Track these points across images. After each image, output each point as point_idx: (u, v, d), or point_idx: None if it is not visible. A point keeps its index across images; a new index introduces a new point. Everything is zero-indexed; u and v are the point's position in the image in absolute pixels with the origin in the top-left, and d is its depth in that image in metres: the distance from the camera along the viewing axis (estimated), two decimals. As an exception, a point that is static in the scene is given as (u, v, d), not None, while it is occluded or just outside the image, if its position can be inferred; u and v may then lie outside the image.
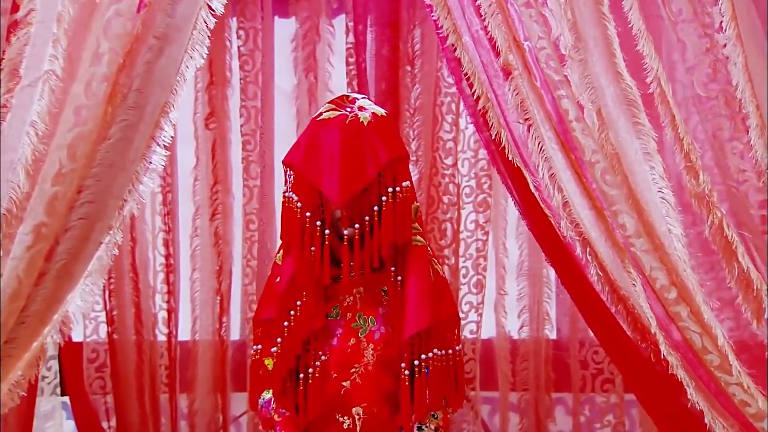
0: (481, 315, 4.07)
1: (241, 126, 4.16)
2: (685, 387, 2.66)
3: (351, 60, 4.07)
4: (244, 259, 4.18)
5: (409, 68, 4.07)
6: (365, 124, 2.75)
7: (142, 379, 4.18)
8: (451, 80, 4.03)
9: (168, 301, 4.20)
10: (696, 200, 2.67)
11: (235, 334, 4.23)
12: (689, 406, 2.67)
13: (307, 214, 2.75)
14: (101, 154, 2.79)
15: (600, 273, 2.73)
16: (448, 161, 4.05)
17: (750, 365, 2.64)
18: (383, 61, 4.07)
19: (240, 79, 4.16)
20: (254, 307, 4.09)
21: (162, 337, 4.20)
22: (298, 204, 2.77)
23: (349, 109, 2.79)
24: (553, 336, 4.11)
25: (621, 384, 4.03)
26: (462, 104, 4.01)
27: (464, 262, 4.08)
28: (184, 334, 4.21)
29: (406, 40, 4.07)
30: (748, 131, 2.66)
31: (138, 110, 2.81)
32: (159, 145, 2.86)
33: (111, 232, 2.86)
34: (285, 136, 4.15)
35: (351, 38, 4.07)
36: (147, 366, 4.18)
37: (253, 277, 4.17)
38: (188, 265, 4.21)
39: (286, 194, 2.81)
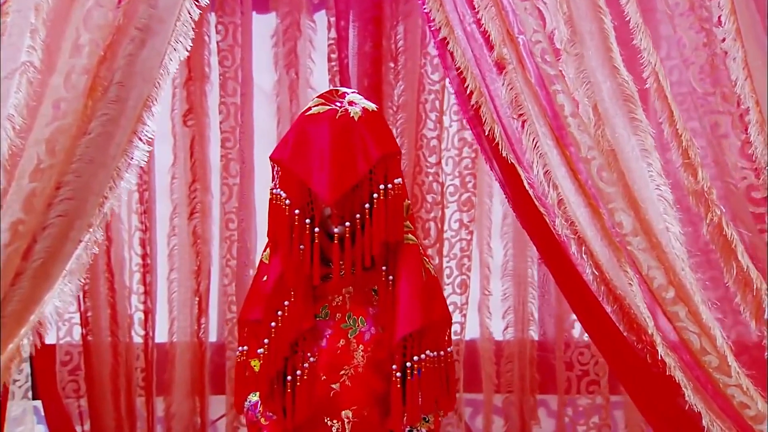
0: (465, 316, 4.01)
1: (220, 123, 4.09)
2: (683, 388, 2.61)
3: (333, 56, 4.00)
4: (223, 258, 4.10)
5: (392, 65, 4.00)
6: (356, 119, 2.68)
7: (118, 382, 4.10)
8: (435, 77, 3.99)
9: (144, 302, 4.11)
10: (694, 198, 2.62)
11: (213, 336, 4.15)
12: (686, 407, 2.61)
13: (296, 211, 2.67)
14: (81, 149, 2.72)
15: (595, 272, 2.68)
16: (432, 159, 3.98)
17: (749, 366, 2.59)
18: (365, 57, 3.99)
19: (219, 75, 4.08)
20: (234, 308, 4.06)
21: (138, 339, 4.12)
22: (287, 201, 2.69)
23: (338, 104, 2.71)
24: (537, 337, 4.04)
25: (606, 385, 3.98)
26: (446, 101, 4.00)
27: (448, 262, 4.02)
28: (161, 335, 4.13)
29: (389, 36, 4.01)
30: (747, 127, 2.61)
31: (119, 104, 2.74)
32: (141, 141, 2.77)
33: (91, 230, 2.79)
34: (265, 133, 4.09)
35: (333, 34, 4.00)
36: (123, 368, 4.09)
37: (233, 278, 4.09)
38: (165, 264, 4.13)
39: (274, 191, 2.73)
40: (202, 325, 4.10)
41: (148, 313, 4.11)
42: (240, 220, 4.07)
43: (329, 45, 4.01)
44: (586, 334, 3.94)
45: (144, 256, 4.10)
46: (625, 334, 2.70)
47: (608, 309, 2.70)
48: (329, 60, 4.01)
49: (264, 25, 4.11)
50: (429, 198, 3.98)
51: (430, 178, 3.98)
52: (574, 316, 3.98)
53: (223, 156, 4.09)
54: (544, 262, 2.95)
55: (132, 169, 2.79)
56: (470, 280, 4.03)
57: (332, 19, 3.99)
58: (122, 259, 4.12)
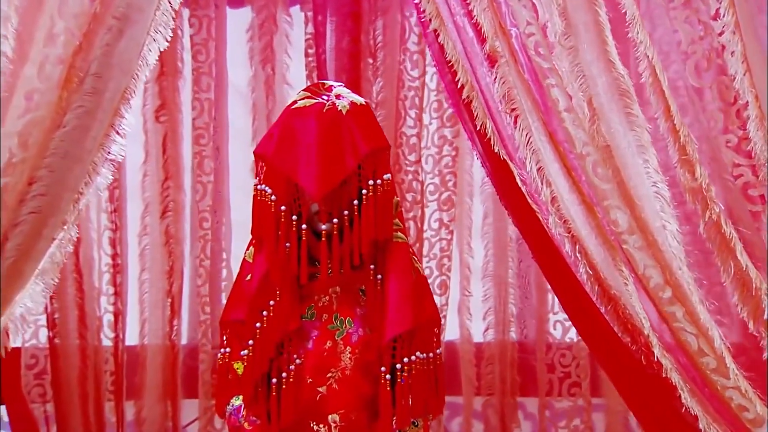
0: (445, 317, 3.91)
1: (194, 119, 4.00)
2: (680, 391, 2.54)
3: (310, 51, 3.92)
4: (197, 258, 4.01)
5: (370, 61, 3.92)
6: (344, 112, 2.59)
7: (86, 385, 4.00)
8: (414, 73, 3.92)
9: (114, 304, 4.01)
10: (691, 195, 2.56)
11: (185, 338, 4.06)
12: (683, 410, 2.55)
13: (282, 207, 2.59)
14: (55, 142, 2.65)
15: (590, 272, 2.61)
16: (412, 158, 3.91)
17: (747, 368, 2.53)
18: (343, 53, 3.90)
19: (192, 70, 4.00)
20: (207, 309, 3.99)
21: (108, 342, 4.02)
22: (272, 197, 2.60)
23: (325, 97, 2.63)
24: (518, 338, 3.97)
25: (588, 388, 3.92)
26: (426, 98, 3.93)
27: (428, 262, 3.94)
28: (131, 338, 4.03)
29: (367, 32, 3.93)
30: (746, 123, 2.55)
31: (96, 96, 2.67)
32: (119, 134, 2.68)
33: (65, 227, 2.72)
34: (240, 130, 4.01)
35: (310, 29, 3.92)
36: (91, 372, 3.99)
37: (207, 278, 4.00)
38: (137, 265, 4.03)
39: (258, 187, 2.64)
40: (175, 327, 4.02)
41: (118, 315, 4.01)
42: (214, 219, 3.98)
43: (306, 40, 3.94)
44: (568, 336, 3.92)
45: (114, 256, 4.01)
46: (619, 335, 2.62)
47: (602, 309, 2.62)
48: (306, 55, 3.93)
49: (239, 20, 4.02)
50: (409, 197, 3.91)
51: (410, 176, 3.90)
52: (555, 318, 3.94)
53: (197, 153, 4.00)
54: (537, 261, 2.88)
55: (108, 165, 2.66)
56: (450, 280, 3.95)
57: (309, 14, 3.92)
58: (91, 259, 4.02)
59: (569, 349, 3.94)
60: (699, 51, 2.60)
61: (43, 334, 4.00)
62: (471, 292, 3.98)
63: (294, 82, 3.98)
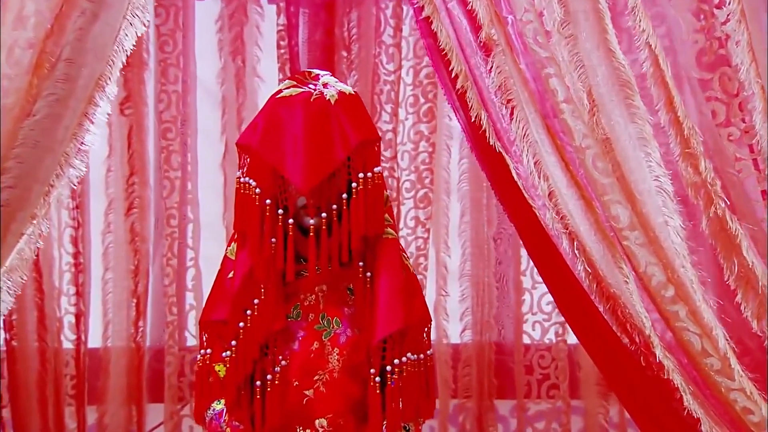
0: (421, 317, 3.80)
1: (160, 112, 3.90)
2: (681, 393, 2.45)
3: (282, 44, 3.84)
4: (164, 257, 3.89)
5: (345, 54, 3.85)
6: (332, 102, 2.48)
7: (45, 390, 3.90)
8: (390, 67, 3.85)
9: (76, 304, 3.92)
10: (693, 190, 2.47)
11: (151, 340, 3.96)
12: (685, 413, 2.46)
13: (267, 201, 2.47)
14: (25, 132, 2.53)
15: (588, 269, 2.51)
16: (387, 154, 3.82)
17: (752, 369, 2.44)
18: (316, 46, 3.84)
19: (159, 62, 3.90)
20: (174, 310, 3.91)
21: (68, 344, 3.93)
22: (257, 190, 2.48)
23: (312, 86, 2.52)
24: (496, 340, 3.88)
25: (567, 390, 3.84)
26: (402, 93, 3.85)
27: (404, 261, 3.82)
28: (94, 340, 3.94)
29: (341, 24, 3.86)
30: (752, 114, 2.46)
31: (68, 83, 2.55)
32: (93, 123, 2.54)
33: (35, 221, 2.60)
34: (208, 123, 3.93)
35: (282, 20, 3.84)
36: (51, 376, 3.90)
37: (174, 278, 3.90)
38: (100, 264, 3.93)
39: (241, 180, 2.52)
40: (140, 329, 3.93)
41: (80, 316, 3.93)
42: (182, 216, 3.88)
43: (278, 32, 3.86)
44: (547, 337, 3.84)
45: (76, 255, 3.92)
46: (618, 335, 2.52)
47: (601, 308, 2.52)
48: (278, 48, 3.85)
49: (207, 10, 3.94)
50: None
51: (386, 173, 3.79)
52: (534, 318, 3.86)
53: (164, 148, 3.91)
54: (532, 258, 2.78)
55: (82, 156, 2.53)
56: (426, 280, 3.86)
57: (281, 5, 3.85)
58: (51, 258, 3.92)
59: (548, 351, 3.87)
60: (700, 41, 2.51)
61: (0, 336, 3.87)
62: (448, 292, 3.89)
63: (265, 75, 3.91)
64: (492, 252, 3.86)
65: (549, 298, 3.81)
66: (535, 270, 3.80)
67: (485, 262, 3.86)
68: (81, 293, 3.88)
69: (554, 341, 3.84)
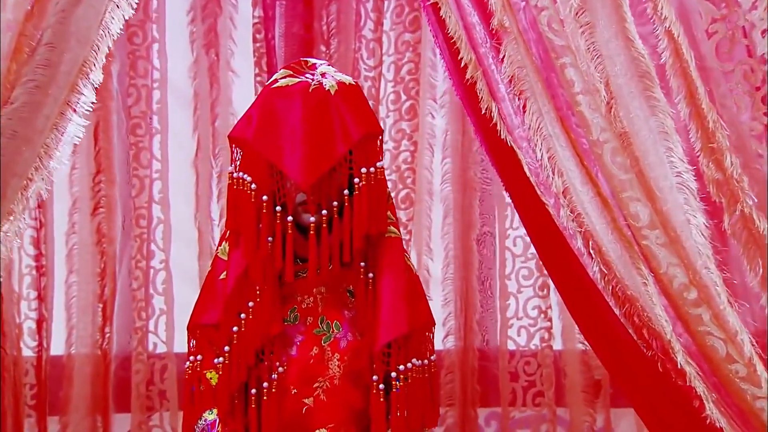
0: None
1: (130, 107, 3.72)
2: (704, 401, 2.33)
3: (258, 37, 3.70)
4: (132, 259, 3.70)
5: (323, 48, 3.72)
6: (332, 92, 2.35)
7: (3, 400, 3.66)
8: (371, 62, 3.72)
9: (37, 309, 3.71)
10: (715, 187, 2.36)
11: (117, 347, 3.75)
12: (707, 423, 2.34)
13: (264, 197, 2.32)
14: (2, 121, 2.38)
15: (604, 270, 2.39)
16: (367, 152, 3.64)
17: (780, 376, 2.34)
18: (294, 39, 3.69)
19: (127, 54, 3.70)
20: (144, 315, 3.73)
21: (29, 352, 3.72)
22: (252, 186, 2.34)
23: (310, 76, 2.39)
24: (479, 346, 3.74)
25: (552, 397, 3.72)
26: (383, 90, 3.73)
27: (385, 264, 3.68)
28: (57, 347, 3.73)
29: (320, 17, 3.72)
30: (772, 109, 2.36)
31: (49, 69, 2.42)
32: (76, 113, 2.37)
33: (11, 218, 2.43)
34: (180, 119, 3.75)
35: (258, 12, 3.70)
36: (9, 385, 3.67)
37: (143, 281, 3.71)
38: (63, 266, 3.73)
39: (235, 175, 2.37)
40: (106, 335, 3.73)
41: (42, 322, 3.72)
42: (151, 217, 3.71)
43: (254, 24, 3.71)
44: (533, 343, 3.71)
45: (38, 257, 3.72)
46: (636, 339, 2.40)
47: (617, 311, 2.40)
48: (255, 41, 3.70)
49: (179, 0, 3.72)
50: (365, 194, 3.64)
51: (366, 172, 3.63)
52: (519, 323, 3.74)
53: (133, 144, 3.72)
54: (543, 260, 2.64)
55: (63, 147, 2.36)
56: (408, 284, 3.69)
57: (258, -5, 3.65)
58: (9, 260, 3.65)
59: (534, 357, 3.73)
60: (721, 30, 2.40)
61: (-47, 343, 3.68)
62: (431, 297, 3.69)
63: (240, 69, 3.75)
64: (476, 255, 3.73)
65: (535, 302, 3.71)
66: (521, 273, 3.73)
67: (469, 266, 3.73)
68: (43, 297, 3.69)
69: (540, 347, 3.71)
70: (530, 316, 3.73)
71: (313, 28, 3.69)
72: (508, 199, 3.67)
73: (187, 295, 3.69)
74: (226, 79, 3.71)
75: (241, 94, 3.69)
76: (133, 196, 3.70)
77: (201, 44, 3.71)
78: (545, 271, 3.63)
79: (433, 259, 3.75)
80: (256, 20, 3.67)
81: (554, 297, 3.67)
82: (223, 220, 3.66)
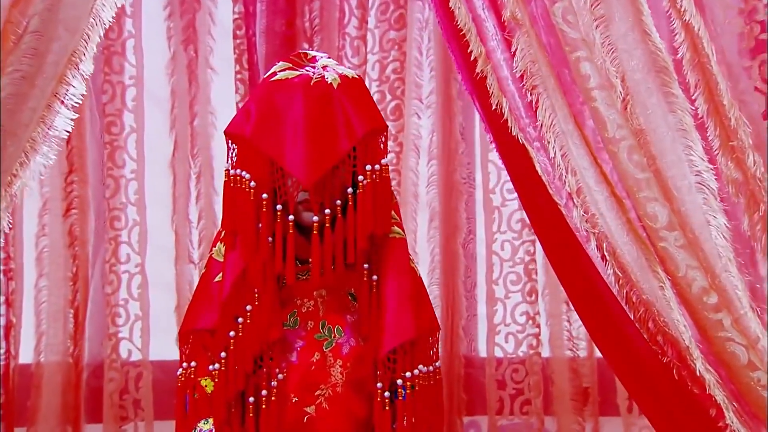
0: (387, 330, 3.55)
1: (104, 104, 3.59)
2: (723, 410, 2.24)
3: (239, 33, 3.58)
4: (106, 263, 3.56)
5: (306, 46, 3.60)
6: (334, 86, 2.25)
7: (-32, 410, 3.54)
8: (355, 60, 3.62)
9: (5, 315, 3.56)
10: (734, 187, 2.28)
11: (89, 354, 3.61)
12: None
13: (263, 195, 2.21)
14: None
15: (619, 273, 2.30)
16: (352, 153, 3.54)
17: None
18: (276, 36, 3.59)
19: (102, 50, 3.55)
20: (119, 321, 3.58)
21: None
22: (251, 183, 2.23)
23: (310, 69, 2.30)
24: (465, 353, 3.64)
25: (540, 405, 3.62)
26: (368, 88, 3.57)
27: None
28: (25, 355, 3.59)
29: (302, 13, 3.62)
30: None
31: (36, 58, 2.33)
32: (64, 105, 2.25)
33: None
34: (157, 117, 3.62)
35: (239, 8, 3.58)
36: None
37: (118, 285, 3.57)
38: (33, 270, 3.59)
39: (232, 172, 2.26)
40: (78, 342, 3.59)
41: (10, 328, 3.56)
42: (127, 219, 3.58)
43: (234, 20, 3.59)
44: (521, 350, 3.62)
45: (6, 260, 3.56)
46: (652, 346, 2.31)
47: (632, 316, 2.31)
48: (235, 37, 3.58)
49: (156, -7, 3.62)
50: (349, 196, 3.53)
51: (350, 174, 3.52)
52: (507, 329, 3.64)
53: (108, 143, 3.59)
54: (552, 263, 2.54)
55: (51, 142, 2.23)
56: (394, 289, 3.58)
57: (238, -10, 3.54)
58: (-22, 262, 3.54)
59: (522, 364, 3.63)
60: (737, 24, 2.32)
61: None
62: (421, 301, 3.63)
63: (219, 67, 3.63)
64: (461, 260, 3.63)
65: (523, 308, 3.61)
66: (509, 278, 3.63)
67: (454, 271, 3.63)
68: (10, 302, 3.53)
69: (528, 354, 3.62)
70: (518, 323, 3.63)
71: (296, 24, 3.59)
72: (496, 203, 3.62)
73: (163, 301, 3.60)
74: (204, 76, 3.60)
75: (221, 92, 3.59)
76: (107, 197, 3.57)
77: (179, 40, 3.60)
78: (534, 276, 3.57)
79: (418, 263, 3.64)
80: (236, 16, 3.55)
81: (542, 303, 3.59)
82: (202, 222, 3.56)
